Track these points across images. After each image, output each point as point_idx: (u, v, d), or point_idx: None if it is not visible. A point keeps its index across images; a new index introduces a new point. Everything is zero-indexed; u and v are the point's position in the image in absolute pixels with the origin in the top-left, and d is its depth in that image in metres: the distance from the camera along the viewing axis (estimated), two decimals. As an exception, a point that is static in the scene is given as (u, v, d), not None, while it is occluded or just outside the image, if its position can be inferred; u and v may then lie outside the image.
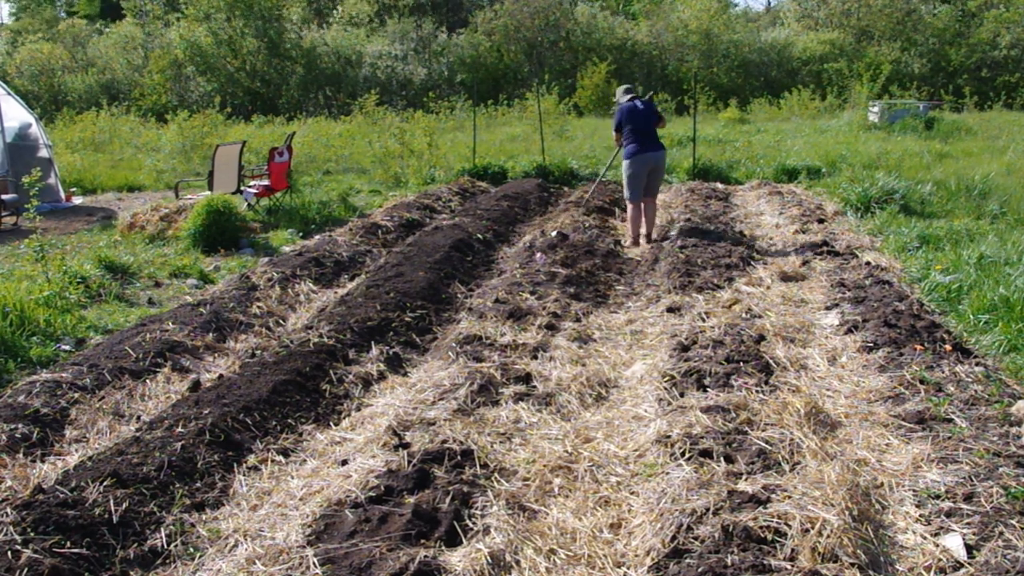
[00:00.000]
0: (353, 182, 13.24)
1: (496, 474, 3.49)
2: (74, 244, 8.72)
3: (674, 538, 2.94)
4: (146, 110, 25.59)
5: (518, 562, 2.90)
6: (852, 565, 2.73)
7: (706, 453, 3.53)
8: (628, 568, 2.94)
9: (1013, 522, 2.92)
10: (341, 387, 4.68)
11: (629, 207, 8.45)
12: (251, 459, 3.81)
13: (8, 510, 3.06)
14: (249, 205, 10.11)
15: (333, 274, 7.27)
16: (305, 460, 3.88)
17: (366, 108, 19.07)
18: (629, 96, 8.34)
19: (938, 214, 9.08)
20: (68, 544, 2.94)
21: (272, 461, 3.82)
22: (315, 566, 2.82)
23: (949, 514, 3.08)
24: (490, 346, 5.08)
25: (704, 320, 5.42)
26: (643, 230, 8.47)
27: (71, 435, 4.09)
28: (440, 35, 31.21)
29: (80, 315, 5.97)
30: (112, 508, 3.18)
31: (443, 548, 2.93)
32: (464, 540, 3.00)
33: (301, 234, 9.15)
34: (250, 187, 10.24)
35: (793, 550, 2.78)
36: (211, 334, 5.46)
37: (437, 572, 2.76)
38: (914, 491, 3.31)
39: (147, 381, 4.73)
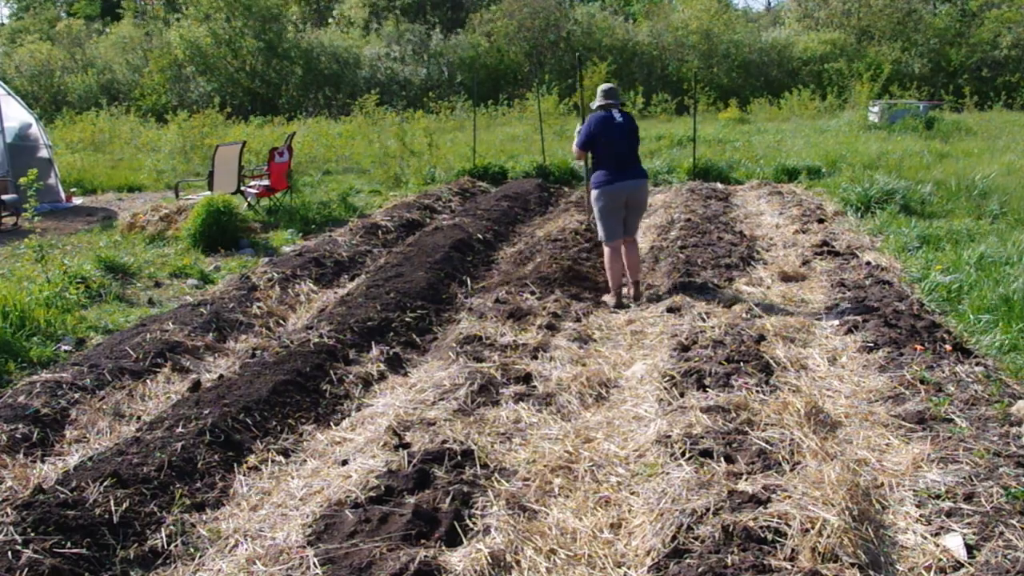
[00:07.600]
0: (353, 182, 13.24)
1: (496, 474, 3.49)
2: (74, 244, 8.72)
3: (674, 538, 2.93)
4: (146, 110, 25.58)
5: (518, 562, 2.90)
6: (852, 565, 2.73)
7: (706, 453, 3.53)
8: (628, 568, 2.94)
9: (1013, 522, 2.92)
10: (341, 387, 4.68)
11: (605, 250, 6.29)
12: (251, 459, 3.82)
13: (8, 510, 3.07)
14: (249, 204, 10.11)
15: (333, 274, 7.27)
16: (305, 460, 3.88)
17: (366, 108, 19.08)
18: (607, 101, 6.13)
19: (938, 214, 9.08)
20: (68, 544, 2.94)
21: (272, 461, 3.83)
22: (315, 566, 2.82)
23: (949, 514, 3.08)
24: (490, 346, 5.08)
25: (704, 320, 5.42)
26: (627, 278, 6.38)
27: (71, 435, 4.09)
28: (436, 36, 31.14)
29: (80, 315, 5.97)
30: (112, 508, 3.18)
31: (443, 548, 2.93)
32: (464, 540, 3.00)
33: (301, 234, 9.15)
34: (250, 187, 10.25)
35: (793, 550, 2.78)
36: (211, 334, 5.46)
37: (437, 572, 2.76)
38: (914, 491, 3.31)
39: (147, 381, 4.73)
